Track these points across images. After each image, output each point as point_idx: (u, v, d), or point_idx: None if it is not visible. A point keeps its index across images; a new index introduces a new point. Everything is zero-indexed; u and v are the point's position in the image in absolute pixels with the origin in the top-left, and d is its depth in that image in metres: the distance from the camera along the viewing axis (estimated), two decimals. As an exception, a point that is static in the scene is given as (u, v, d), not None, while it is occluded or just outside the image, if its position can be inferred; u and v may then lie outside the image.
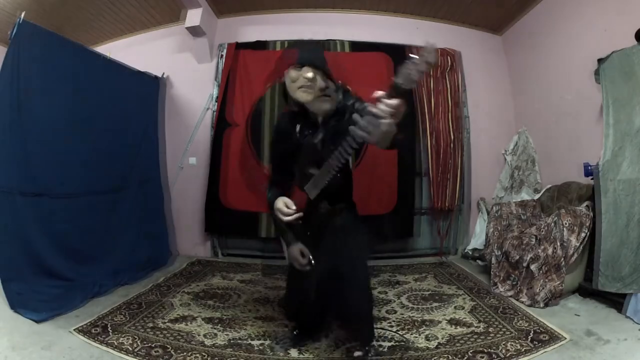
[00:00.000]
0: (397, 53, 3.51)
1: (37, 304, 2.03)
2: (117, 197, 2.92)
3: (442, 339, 1.89)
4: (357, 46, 3.55)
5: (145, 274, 2.88)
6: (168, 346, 1.79)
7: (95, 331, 1.90)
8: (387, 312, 2.25)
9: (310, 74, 1.41)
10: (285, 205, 1.47)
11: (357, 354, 1.69)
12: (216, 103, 3.56)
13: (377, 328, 1.95)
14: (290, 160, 1.60)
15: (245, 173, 3.38)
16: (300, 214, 1.47)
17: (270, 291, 2.63)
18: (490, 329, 1.97)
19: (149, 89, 3.42)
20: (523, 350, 1.74)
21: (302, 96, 1.45)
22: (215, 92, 3.60)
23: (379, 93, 1.10)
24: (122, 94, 3.01)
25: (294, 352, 1.78)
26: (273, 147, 1.78)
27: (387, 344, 1.85)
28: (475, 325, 2.04)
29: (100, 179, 2.75)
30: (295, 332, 1.89)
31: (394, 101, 1.08)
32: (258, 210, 3.36)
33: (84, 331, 1.90)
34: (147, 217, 3.23)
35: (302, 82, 1.43)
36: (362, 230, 1.66)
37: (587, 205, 2.37)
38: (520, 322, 2.04)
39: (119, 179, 2.96)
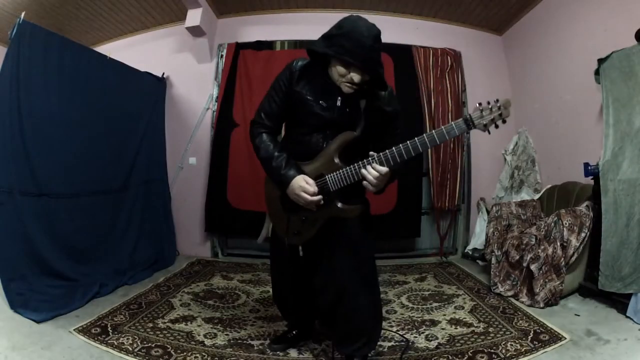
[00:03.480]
0: (397, 53, 3.52)
1: (38, 304, 2.03)
2: (120, 197, 2.92)
3: (442, 339, 1.89)
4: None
5: (148, 274, 2.88)
6: (168, 346, 1.79)
7: (95, 331, 1.90)
8: (387, 312, 2.24)
9: (357, 79, 1.39)
10: (307, 184, 1.39)
11: None
12: (216, 103, 3.56)
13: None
14: (284, 108, 1.52)
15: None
16: (321, 197, 1.40)
17: (271, 291, 2.62)
18: (490, 329, 1.98)
19: (153, 90, 3.42)
20: (523, 350, 1.74)
21: (344, 89, 1.43)
22: (215, 92, 3.60)
23: None
24: (125, 94, 3.00)
25: (293, 352, 1.79)
26: (278, 84, 1.53)
27: (387, 344, 1.85)
28: (475, 325, 2.04)
29: (102, 179, 2.75)
30: (293, 333, 1.86)
31: None
32: (261, 210, 3.36)
33: (84, 331, 1.89)
34: (151, 217, 3.23)
35: (348, 80, 1.40)
36: (370, 239, 1.62)
37: (587, 205, 2.37)
38: (520, 322, 2.05)
39: (122, 179, 2.96)
